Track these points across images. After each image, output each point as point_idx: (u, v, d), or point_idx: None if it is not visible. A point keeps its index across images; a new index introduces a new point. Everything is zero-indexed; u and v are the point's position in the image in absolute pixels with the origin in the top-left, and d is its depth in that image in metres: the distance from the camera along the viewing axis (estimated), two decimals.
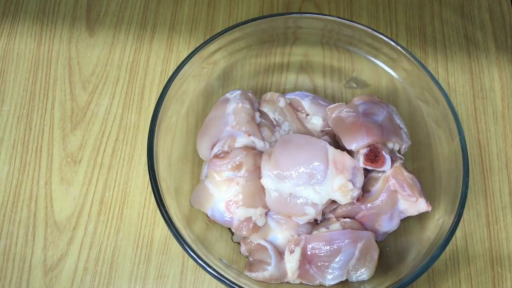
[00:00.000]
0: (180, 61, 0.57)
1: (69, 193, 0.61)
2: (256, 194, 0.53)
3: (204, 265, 0.48)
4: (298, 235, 0.53)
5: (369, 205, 0.54)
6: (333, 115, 0.57)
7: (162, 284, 0.57)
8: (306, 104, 0.61)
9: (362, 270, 0.52)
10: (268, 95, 0.61)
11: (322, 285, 0.53)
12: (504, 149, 0.66)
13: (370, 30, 0.59)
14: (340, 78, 0.67)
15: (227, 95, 0.60)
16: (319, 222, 0.56)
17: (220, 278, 0.48)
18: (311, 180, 0.52)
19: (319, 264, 0.52)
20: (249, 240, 0.54)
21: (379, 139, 0.53)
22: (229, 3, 0.73)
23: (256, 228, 0.53)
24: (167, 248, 0.59)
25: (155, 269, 0.58)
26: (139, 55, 0.69)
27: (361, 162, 0.53)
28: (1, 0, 0.72)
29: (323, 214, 0.56)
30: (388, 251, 0.57)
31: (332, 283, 0.52)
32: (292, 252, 0.52)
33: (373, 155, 0.53)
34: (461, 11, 0.75)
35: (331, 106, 0.59)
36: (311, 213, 0.52)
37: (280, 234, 0.54)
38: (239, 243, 0.56)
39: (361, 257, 0.52)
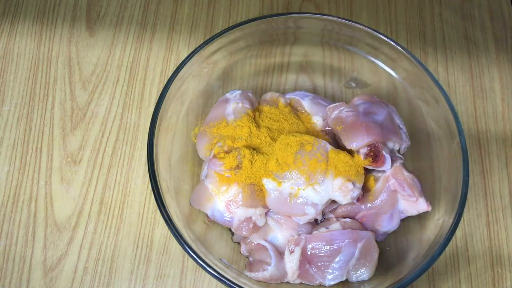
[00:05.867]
0: (180, 61, 0.57)
1: (69, 193, 0.61)
2: (256, 194, 0.53)
3: (204, 265, 0.48)
4: (298, 235, 0.53)
5: (369, 205, 0.54)
6: (333, 115, 0.57)
7: (162, 284, 0.57)
8: (306, 104, 0.61)
9: (362, 270, 0.52)
10: (268, 95, 0.61)
11: (322, 285, 0.53)
12: (504, 149, 0.66)
13: (370, 30, 0.59)
14: (340, 78, 0.67)
15: (227, 95, 0.60)
16: (319, 222, 0.56)
17: (220, 278, 0.48)
18: (311, 180, 0.52)
19: (319, 264, 0.52)
20: (249, 240, 0.54)
21: (379, 139, 0.53)
22: (229, 3, 0.73)
23: (256, 228, 0.53)
24: (167, 248, 0.59)
25: (155, 269, 0.58)
26: (139, 55, 0.69)
27: None
28: (1, 0, 0.72)
29: (323, 214, 0.56)
30: (388, 251, 0.57)
31: (332, 283, 0.52)
32: (292, 252, 0.52)
33: (373, 155, 0.53)
34: (461, 11, 0.75)
35: (331, 105, 0.59)
36: (311, 213, 0.52)
37: (280, 234, 0.54)
38: (239, 243, 0.56)
39: (361, 257, 0.52)
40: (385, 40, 0.59)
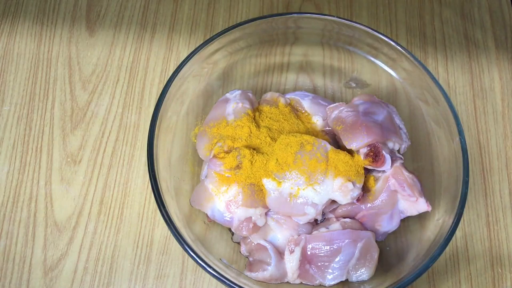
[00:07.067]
0: (180, 61, 0.57)
1: (69, 193, 0.61)
2: (256, 194, 0.53)
3: (204, 265, 0.48)
4: (298, 235, 0.53)
5: (369, 205, 0.54)
6: (333, 115, 0.57)
7: (162, 284, 0.57)
8: (306, 104, 0.61)
9: (362, 270, 0.52)
10: (268, 95, 0.61)
11: (322, 285, 0.53)
12: (504, 149, 0.66)
13: (370, 30, 0.59)
14: (340, 78, 0.67)
15: (227, 95, 0.60)
16: (319, 222, 0.56)
17: (220, 278, 0.48)
18: (311, 180, 0.52)
19: (319, 264, 0.52)
20: (249, 240, 0.54)
21: (379, 138, 0.53)
22: (229, 3, 0.73)
23: (256, 228, 0.53)
24: (167, 248, 0.59)
25: (155, 269, 0.58)
26: (139, 55, 0.69)
27: None
28: (1, 0, 0.72)
29: (323, 214, 0.56)
30: (388, 251, 0.57)
31: (332, 283, 0.52)
32: (292, 252, 0.52)
33: (373, 155, 0.53)
34: (461, 11, 0.75)
35: (331, 105, 0.59)
36: (311, 213, 0.52)
37: (280, 234, 0.54)
38: (239, 243, 0.56)
39: (361, 257, 0.52)
40: (385, 40, 0.59)
